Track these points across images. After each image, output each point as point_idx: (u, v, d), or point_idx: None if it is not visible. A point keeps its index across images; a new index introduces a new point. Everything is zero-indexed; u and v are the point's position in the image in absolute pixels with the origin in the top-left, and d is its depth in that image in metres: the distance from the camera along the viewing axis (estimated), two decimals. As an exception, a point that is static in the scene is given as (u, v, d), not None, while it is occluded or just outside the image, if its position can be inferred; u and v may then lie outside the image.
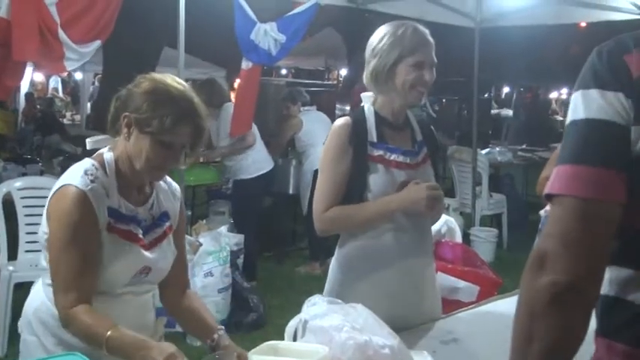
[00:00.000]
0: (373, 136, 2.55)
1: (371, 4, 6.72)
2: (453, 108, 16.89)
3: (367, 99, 2.63)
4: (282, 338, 2.09)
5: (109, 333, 1.96)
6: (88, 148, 2.26)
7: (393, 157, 2.55)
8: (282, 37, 5.83)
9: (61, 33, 4.58)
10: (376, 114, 2.59)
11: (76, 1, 4.65)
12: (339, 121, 2.58)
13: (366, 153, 2.52)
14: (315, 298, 2.14)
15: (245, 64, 5.83)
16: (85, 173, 2.10)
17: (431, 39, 2.56)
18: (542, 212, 4.74)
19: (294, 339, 2.05)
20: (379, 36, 2.55)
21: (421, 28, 2.57)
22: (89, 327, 2.01)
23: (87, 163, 2.16)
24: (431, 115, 2.63)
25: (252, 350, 1.96)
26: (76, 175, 2.10)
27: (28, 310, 2.26)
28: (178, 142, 2.10)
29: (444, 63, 2.99)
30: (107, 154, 2.19)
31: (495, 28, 7.64)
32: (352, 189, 2.50)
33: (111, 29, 4.91)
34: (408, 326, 2.45)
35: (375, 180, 2.50)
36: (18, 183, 5.18)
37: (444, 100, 17.12)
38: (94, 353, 1.97)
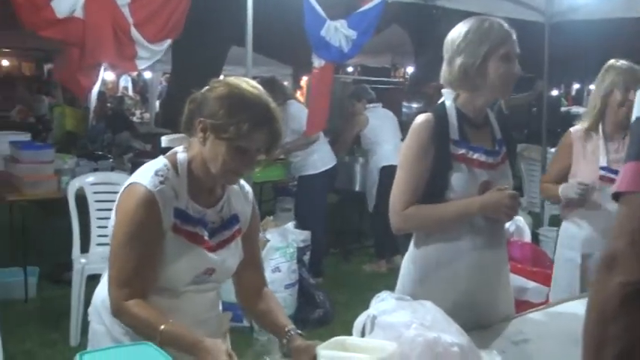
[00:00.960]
0: (455, 134, 2.49)
1: (439, 0, 6.66)
2: (521, 105, 16.57)
3: (448, 95, 2.57)
4: (348, 335, 2.08)
5: (163, 327, 1.99)
6: (162, 145, 2.28)
7: (476, 156, 2.49)
8: (353, 34, 5.82)
9: (134, 32, 4.71)
10: (458, 111, 2.53)
11: (148, 2, 4.76)
12: (421, 118, 2.52)
13: (448, 151, 2.46)
14: (384, 294, 2.13)
15: (317, 62, 5.83)
16: (156, 174, 2.12)
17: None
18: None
19: (362, 335, 2.05)
20: (461, 32, 2.49)
21: (502, 21, 2.52)
22: (142, 320, 2.05)
23: (159, 162, 2.18)
24: (503, 112, 2.59)
25: (321, 345, 1.96)
26: (146, 175, 2.12)
27: (97, 300, 2.31)
28: (254, 147, 2.09)
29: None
30: (181, 154, 2.19)
31: (566, 22, 7.46)
32: (433, 187, 2.46)
33: (181, 28, 5.01)
34: (480, 326, 2.43)
35: (458, 179, 2.45)
36: (90, 178, 5.34)
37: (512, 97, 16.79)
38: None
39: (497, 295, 2.59)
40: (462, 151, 2.48)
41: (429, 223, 2.52)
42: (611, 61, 3.60)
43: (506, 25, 2.51)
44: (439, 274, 2.51)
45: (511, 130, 2.74)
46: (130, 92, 23.99)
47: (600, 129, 3.60)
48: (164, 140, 2.29)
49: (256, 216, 2.42)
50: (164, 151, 2.28)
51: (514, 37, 2.50)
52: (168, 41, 4.99)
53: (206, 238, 2.19)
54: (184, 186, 2.16)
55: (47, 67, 22.37)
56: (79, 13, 4.55)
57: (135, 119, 16.47)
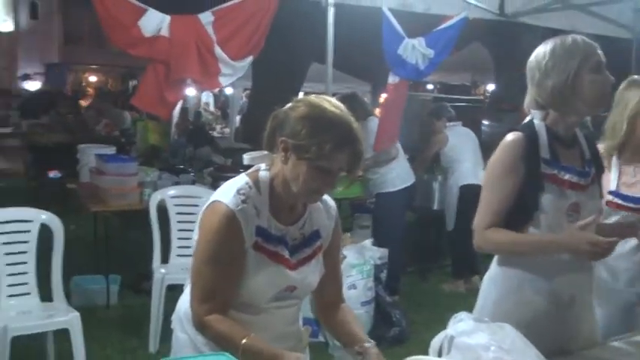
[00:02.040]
0: (546, 153, 2.42)
1: (521, 17, 6.56)
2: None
3: (536, 114, 2.50)
4: (423, 354, 2.06)
5: (244, 341, 2.02)
6: (245, 163, 2.31)
7: (567, 176, 2.42)
8: (430, 52, 5.82)
9: (218, 50, 4.82)
10: (548, 129, 2.46)
11: (231, 20, 4.87)
12: (511, 136, 2.45)
13: (539, 171, 2.40)
14: (462, 315, 2.10)
15: (392, 79, 5.86)
16: (238, 192, 2.14)
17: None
18: None
19: (439, 355, 2.03)
20: (546, 52, 2.44)
21: (582, 36, 2.46)
22: (223, 335, 2.08)
23: (241, 180, 2.20)
24: (590, 131, 2.49)
25: None
26: (228, 193, 2.15)
27: (180, 310, 2.35)
28: (336, 167, 2.09)
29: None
30: (263, 172, 2.21)
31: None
32: (522, 207, 2.40)
33: (262, 45, 5.10)
34: (562, 352, 2.37)
35: (548, 200, 2.38)
36: (172, 191, 5.46)
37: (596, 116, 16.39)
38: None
39: (581, 320, 2.51)
40: (553, 171, 2.41)
41: (506, 250, 2.47)
42: (635, 77, 3.26)
43: (587, 39, 2.45)
44: (519, 293, 2.46)
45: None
46: (212, 108, 24.49)
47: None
48: (246, 158, 2.32)
49: (338, 231, 2.42)
50: (244, 166, 2.31)
51: (599, 49, 2.44)
52: (250, 58, 5.08)
53: (287, 256, 2.21)
54: (266, 204, 2.18)
55: (132, 83, 23.10)
56: (164, 32, 4.69)
57: (215, 134, 16.79)
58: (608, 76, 2.41)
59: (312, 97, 2.19)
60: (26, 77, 25.84)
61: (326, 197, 2.36)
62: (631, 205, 3.06)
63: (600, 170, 2.61)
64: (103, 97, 16.76)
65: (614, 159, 3.19)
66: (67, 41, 28.71)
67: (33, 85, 24.81)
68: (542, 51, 2.46)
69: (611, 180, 3.14)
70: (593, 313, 2.61)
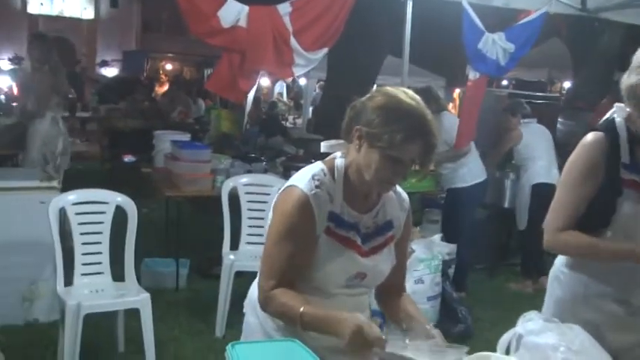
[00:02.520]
0: (626, 156, 2.36)
1: (603, 12, 6.41)
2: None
3: (620, 111, 2.43)
4: (488, 351, 2.06)
5: (302, 309, 2.06)
6: (322, 151, 2.35)
7: None
8: (511, 47, 5.77)
9: (293, 41, 4.89)
10: (628, 130, 2.39)
11: (308, 11, 4.93)
12: (591, 136, 2.41)
13: (619, 175, 2.34)
14: (531, 314, 2.11)
15: (472, 75, 5.83)
16: (313, 177, 2.19)
17: None
18: None
19: (507, 353, 2.03)
20: None
21: None
22: (284, 304, 2.13)
23: (317, 167, 2.25)
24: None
25: (466, 358, 1.95)
26: (304, 178, 2.20)
27: (253, 295, 2.39)
28: (408, 157, 2.10)
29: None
30: (339, 160, 2.26)
31: None
32: (597, 211, 2.35)
33: (337, 37, 5.14)
34: (635, 357, 2.33)
35: (626, 207, 2.32)
36: (244, 179, 5.52)
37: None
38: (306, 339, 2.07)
39: None
40: (633, 176, 2.34)
41: (581, 254, 2.42)
42: None
43: None
44: (585, 296, 2.42)
45: None
46: (284, 98, 24.70)
47: None
48: (323, 146, 2.35)
49: (409, 224, 2.45)
50: (316, 156, 2.35)
51: None
52: (325, 50, 5.13)
53: (359, 243, 2.24)
54: (340, 191, 2.22)
55: (207, 71, 23.46)
56: (242, 22, 4.78)
57: (287, 124, 16.90)
58: None
59: (390, 88, 2.21)
60: (104, 64, 26.61)
61: (399, 189, 2.39)
62: None
63: None
64: (178, 85, 17.03)
65: None
66: (145, 29, 29.41)
67: (111, 72, 25.51)
68: None
69: None
70: None
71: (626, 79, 2.38)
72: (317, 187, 2.17)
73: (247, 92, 5.54)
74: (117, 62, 27.02)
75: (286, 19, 4.88)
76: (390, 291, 2.45)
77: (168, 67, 30.38)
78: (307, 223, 2.16)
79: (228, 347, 1.92)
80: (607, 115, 2.50)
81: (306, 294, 2.19)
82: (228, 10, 4.79)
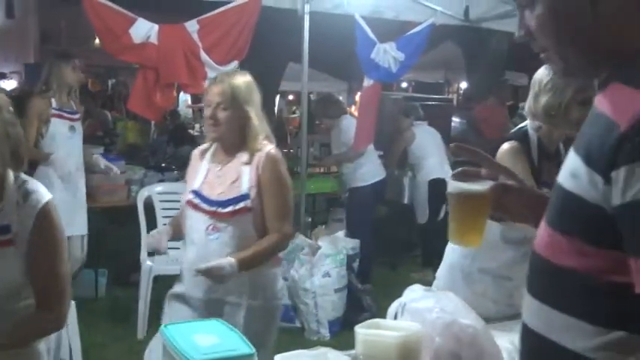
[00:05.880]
0: (533, 166, 2.63)
1: (485, 22, 6.90)
2: None
3: (531, 124, 2.67)
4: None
5: None
6: None
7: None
8: (401, 56, 6.17)
9: (204, 55, 5.16)
10: (539, 141, 2.66)
11: (214, 29, 5.22)
12: (507, 145, 2.65)
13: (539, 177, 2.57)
14: (415, 287, 2.48)
15: (367, 82, 6.21)
16: None
17: None
18: None
19: (395, 319, 2.40)
20: (550, 72, 2.55)
21: None
22: None
23: None
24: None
25: (359, 325, 2.28)
26: None
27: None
28: None
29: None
30: None
31: None
32: None
33: (246, 50, 5.42)
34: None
35: None
36: (158, 188, 5.79)
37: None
38: None
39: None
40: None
41: None
42: None
43: None
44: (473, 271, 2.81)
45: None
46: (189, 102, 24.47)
47: None
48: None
49: (43, 233, 2.28)
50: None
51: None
52: (235, 62, 5.39)
53: None
54: None
55: (111, 82, 23.09)
56: (153, 39, 5.03)
57: (194, 133, 16.89)
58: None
59: None
60: (2, 76, 25.72)
61: (34, 196, 2.30)
62: None
63: None
64: (84, 98, 16.68)
65: None
66: (43, 40, 28.57)
67: (9, 85, 24.71)
68: (547, 70, 2.59)
69: None
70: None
71: (535, 101, 2.65)
72: None
73: (165, 108, 5.72)
74: (15, 74, 26.18)
75: (195, 36, 5.13)
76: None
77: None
78: None
79: (161, 328, 2.19)
80: (522, 124, 2.78)
81: None
82: (138, 27, 5.01)
